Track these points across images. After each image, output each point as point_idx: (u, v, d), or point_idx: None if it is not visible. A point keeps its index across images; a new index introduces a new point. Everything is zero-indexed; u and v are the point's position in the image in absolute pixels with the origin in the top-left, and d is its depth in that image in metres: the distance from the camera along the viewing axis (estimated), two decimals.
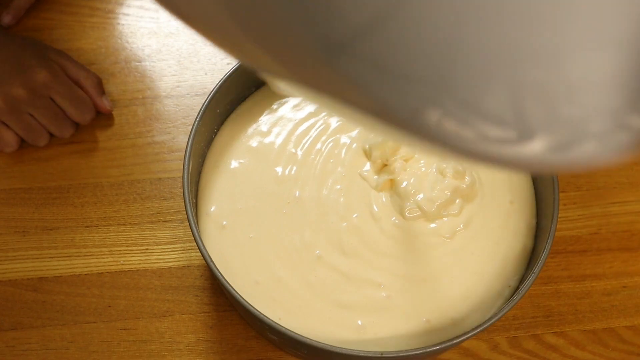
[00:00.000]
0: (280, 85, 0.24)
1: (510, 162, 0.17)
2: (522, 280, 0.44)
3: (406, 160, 0.47)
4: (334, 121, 0.49)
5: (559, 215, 0.43)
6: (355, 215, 0.45)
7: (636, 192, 0.56)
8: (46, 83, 0.53)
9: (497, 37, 0.14)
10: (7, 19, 0.60)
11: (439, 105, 0.16)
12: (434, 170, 0.46)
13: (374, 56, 0.15)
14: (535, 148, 0.16)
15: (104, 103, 0.56)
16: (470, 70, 0.15)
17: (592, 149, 0.16)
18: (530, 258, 0.45)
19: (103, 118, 0.57)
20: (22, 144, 0.55)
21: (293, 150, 0.48)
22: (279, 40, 0.16)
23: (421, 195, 0.45)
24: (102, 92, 0.56)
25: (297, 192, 0.46)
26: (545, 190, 0.45)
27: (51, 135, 0.55)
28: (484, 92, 0.15)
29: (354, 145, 0.48)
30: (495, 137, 0.16)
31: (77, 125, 0.56)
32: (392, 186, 0.46)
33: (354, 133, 0.49)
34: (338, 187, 0.46)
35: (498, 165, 0.17)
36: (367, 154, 0.48)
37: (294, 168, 0.47)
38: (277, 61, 0.18)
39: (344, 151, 0.48)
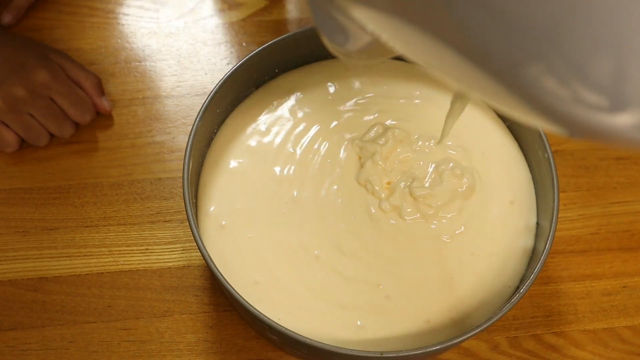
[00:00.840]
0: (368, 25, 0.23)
1: (594, 130, 0.17)
2: (522, 280, 0.44)
3: (404, 162, 0.47)
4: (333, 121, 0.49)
5: (559, 215, 0.43)
6: (353, 216, 0.45)
7: (636, 192, 0.56)
8: (46, 83, 0.53)
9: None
10: (7, 18, 0.61)
11: (544, 61, 0.15)
12: (433, 171, 0.46)
13: (493, 2, 0.15)
14: (624, 121, 0.16)
15: (104, 104, 0.56)
16: (583, 30, 0.15)
17: None
18: (530, 258, 0.45)
19: (103, 118, 0.57)
20: (22, 144, 0.55)
21: (291, 150, 0.48)
22: None
23: (420, 197, 0.45)
24: (102, 92, 0.56)
25: (296, 192, 0.46)
26: (545, 190, 0.45)
27: (51, 135, 0.55)
28: (592, 54, 0.15)
29: (351, 145, 0.48)
30: (588, 101, 0.16)
31: (77, 125, 0.56)
32: (390, 187, 0.46)
33: (352, 132, 0.49)
34: (335, 187, 0.46)
35: (578, 130, 0.17)
36: (359, 148, 0.47)
37: (292, 168, 0.47)
38: None
39: (342, 150, 0.48)
